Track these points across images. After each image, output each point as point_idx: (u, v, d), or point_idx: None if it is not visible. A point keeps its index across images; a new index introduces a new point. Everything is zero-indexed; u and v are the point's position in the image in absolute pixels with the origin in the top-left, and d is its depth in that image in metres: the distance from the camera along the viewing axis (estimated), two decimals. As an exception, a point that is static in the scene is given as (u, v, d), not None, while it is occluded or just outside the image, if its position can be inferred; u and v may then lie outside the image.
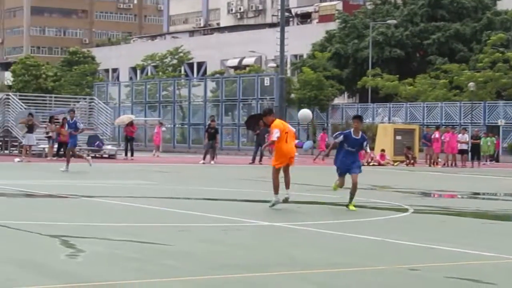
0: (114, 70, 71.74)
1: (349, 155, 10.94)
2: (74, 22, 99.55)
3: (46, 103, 39.73)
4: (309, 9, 70.77)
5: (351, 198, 10.89)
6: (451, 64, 47.75)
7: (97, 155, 33.93)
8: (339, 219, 10.77)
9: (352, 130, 11.20)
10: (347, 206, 10.97)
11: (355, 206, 10.92)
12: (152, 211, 12.57)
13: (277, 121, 11.65)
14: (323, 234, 9.09)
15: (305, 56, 57.27)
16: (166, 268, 6.55)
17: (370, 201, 14.85)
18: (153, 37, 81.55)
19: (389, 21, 52.07)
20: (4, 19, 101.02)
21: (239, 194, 15.80)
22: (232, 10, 77.22)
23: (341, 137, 11.18)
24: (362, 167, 11.63)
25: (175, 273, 6.22)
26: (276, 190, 11.00)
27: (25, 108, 34.72)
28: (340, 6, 65.67)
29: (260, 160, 30.11)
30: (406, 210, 13.24)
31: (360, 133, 11.14)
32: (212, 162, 29.86)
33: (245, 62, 63.62)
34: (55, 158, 31.85)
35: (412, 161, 34.08)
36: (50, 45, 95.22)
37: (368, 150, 12.67)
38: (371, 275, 6.67)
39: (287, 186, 11.25)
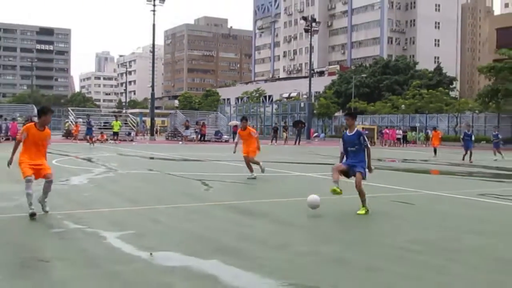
0: (228, 99, 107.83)
1: (352, 155, 9.22)
2: (209, 75, 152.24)
3: (194, 115, 61.09)
4: (323, 68, 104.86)
5: (363, 202, 9.19)
6: (393, 96, 73.89)
7: (218, 140, 50.36)
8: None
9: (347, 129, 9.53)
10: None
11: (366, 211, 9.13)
12: (229, 167, 24.36)
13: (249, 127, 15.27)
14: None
15: (321, 92, 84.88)
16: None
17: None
18: (247, 83, 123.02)
19: (362, 75, 79.94)
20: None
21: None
22: (285, 69, 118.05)
23: (340, 144, 9.51)
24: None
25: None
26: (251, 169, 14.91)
27: (184, 117, 53.48)
28: (338, 67, 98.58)
29: (299, 143, 45.67)
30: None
31: (355, 129, 9.33)
32: (276, 143, 43.81)
33: (291, 95, 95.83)
34: (199, 142, 47.18)
35: (372, 143, 47.92)
36: (197, 86, 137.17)
37: (369, 146, 9.31)
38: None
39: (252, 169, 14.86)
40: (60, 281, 5.12)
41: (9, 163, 8.63)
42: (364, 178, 9.23)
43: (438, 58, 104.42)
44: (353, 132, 9.31)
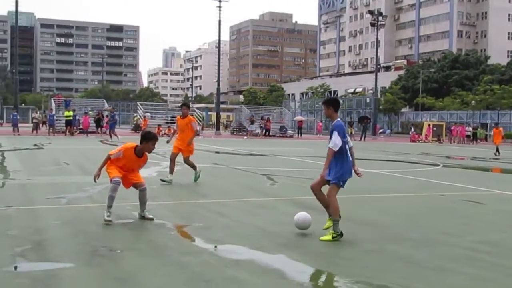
0: (292, 94, 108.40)
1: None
2: (274, 70, 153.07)
3: (259, 110, 61.16)
4: (389, 63, 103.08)
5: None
6: (463, 91, 71.53)
7: (283, 135, 50.91)
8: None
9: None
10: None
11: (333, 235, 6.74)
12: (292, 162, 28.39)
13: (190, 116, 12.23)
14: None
15: (387, 87, 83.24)
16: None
17: (421, 160, 22.49)
18: (311, 78, 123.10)
19: (430, 69, 78.56)
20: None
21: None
22: (350, 64, 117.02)
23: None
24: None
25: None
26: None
27: (249, 112, 55.62)
28: (405, 62, 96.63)
29: (364, 139, 45.81)
30: (438, 165, 18.86)
31: (336, 120, 6.87)
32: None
33: (357, 90, 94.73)
34: (264, 137, 47.24)
35: (441, 140, 49.45)
36: (261, 82, 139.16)
37: (330, 145, 6.70)
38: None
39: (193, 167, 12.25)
40: (130, 270, 5.25)
41: (96, 177, 7.59)
42: (339, 186, 7.02)
43: (511, 52, 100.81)
44: (333, 122, 6.97)
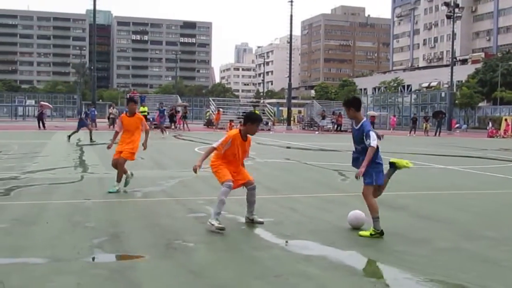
0: (365, 89, 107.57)
1: (359, 156, 6.79)
2: (346, 65, 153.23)
3: (331, 105, 61.06)
4: (466, 56, 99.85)
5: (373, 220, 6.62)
6: None
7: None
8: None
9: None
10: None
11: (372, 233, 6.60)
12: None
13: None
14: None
15: (463, 81, 79.73)
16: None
17: (500, 156, 26.21)
18: (384, 72, 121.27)
19: (510, 62, 74.19)
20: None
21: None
22: (425, 57, 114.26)
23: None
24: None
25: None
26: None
27: (320, 107, 56.15)
28: (483, 55, 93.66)
29: (439, 134, 44.15)
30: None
31: (362, 121, 6.70)
32: (415, 134, 42.43)
33: (431, 84, 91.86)
34: (335, 132, 46.56)
35: None
36: (333, 76, 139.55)
37: (373, 144, 6.49)
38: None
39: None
40: (202, 263, 5.33)
41: (198, 167, 6.96)
42: (373, 185, 6.82)
43: None
44: (358, 126, 6.77)
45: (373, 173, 6.72)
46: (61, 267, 5.13)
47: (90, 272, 5.01)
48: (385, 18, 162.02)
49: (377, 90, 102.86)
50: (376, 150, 6.65)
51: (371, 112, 60.14)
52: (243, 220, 7.41)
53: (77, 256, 5.48)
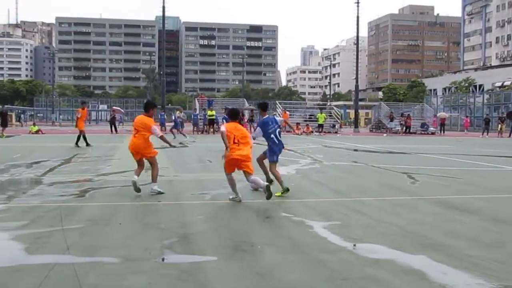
0: (434, 90, 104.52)
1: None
2: (414, 65, 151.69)
3: (399, 107, 58.30)
4: None
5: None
6: None
7: (424, 133, 48.20)
8: None
9: None
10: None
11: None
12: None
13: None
14: None
15: None
16: None
17: None
18: (455, 72, 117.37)
19: None
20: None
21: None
22: (498, 56, 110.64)
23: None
24: None
25: None
26: None
27: (388, 109, 56.23)
28: None
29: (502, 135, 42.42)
30: None
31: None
32: (488, 136, 40.79)
33: (505, 84, 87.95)
34: (404, 134, 45.00)
35: None
36: (401, 77, 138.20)
37: (253, 135, 9.87)
38: None
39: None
40: (270, 265, 5.37)
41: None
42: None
43: None
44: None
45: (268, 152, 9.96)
46: (133, 267, 5.30)
47: (160, 272, 5.15)
48: (455, 17, 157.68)
49: (447, 90, 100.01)
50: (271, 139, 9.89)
51: (441, 114, 58.63)
52: (311, 223, 7.39)
53: (149, 256, 5.63)
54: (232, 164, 8.95)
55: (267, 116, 9.99)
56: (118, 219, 7.59)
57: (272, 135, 9.79)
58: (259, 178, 9.10)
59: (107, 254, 5.71)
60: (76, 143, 22.89)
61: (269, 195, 8.64)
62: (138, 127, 9.87)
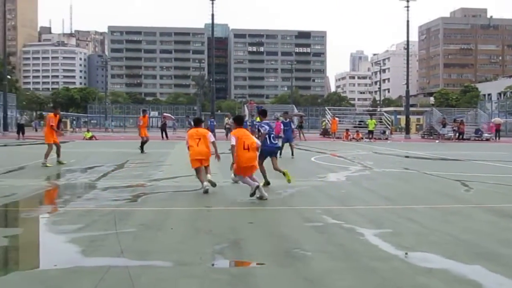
0: (489, 95, 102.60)
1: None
2: (467, 70, 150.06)
3: (451, 112, 58.38)
4: None
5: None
6: None
7: (478, 139, 47.41)
8: None
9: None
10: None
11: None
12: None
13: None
14: None
15: None
16: None
17: None
18: (510, 76, 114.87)
19: None
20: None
21: None
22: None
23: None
24: None
25: None
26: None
27: (441, 115, 54.14)
28: None
29: None
30: None
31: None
32: None
33: None
34: (457, 140, 44.49)
35: None
36: (454, 82, 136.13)
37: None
38: None
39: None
40: (320, 272, 5.36)
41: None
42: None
43: None
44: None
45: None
46: (185, 271, 5.38)
47: (212, 276, 5.21)
48: (509, 19, 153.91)
49: (502, 95, 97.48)
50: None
51: (496, 119, 57.29)
52: (361, 230, 7.33)
53: (200, 261, 5.70)
54: (247, 171, 9.80)
55: (266, 121, 12.25)
56: (170, 224, 7.70)
57: (267, 136, 11.65)
58: (253, 180, 9.81)
59: (159, 258, 5.80)
60: (142, 150, 23.30)
61: (252, 194, 9.58)
62: (199, 136, 10.97)
